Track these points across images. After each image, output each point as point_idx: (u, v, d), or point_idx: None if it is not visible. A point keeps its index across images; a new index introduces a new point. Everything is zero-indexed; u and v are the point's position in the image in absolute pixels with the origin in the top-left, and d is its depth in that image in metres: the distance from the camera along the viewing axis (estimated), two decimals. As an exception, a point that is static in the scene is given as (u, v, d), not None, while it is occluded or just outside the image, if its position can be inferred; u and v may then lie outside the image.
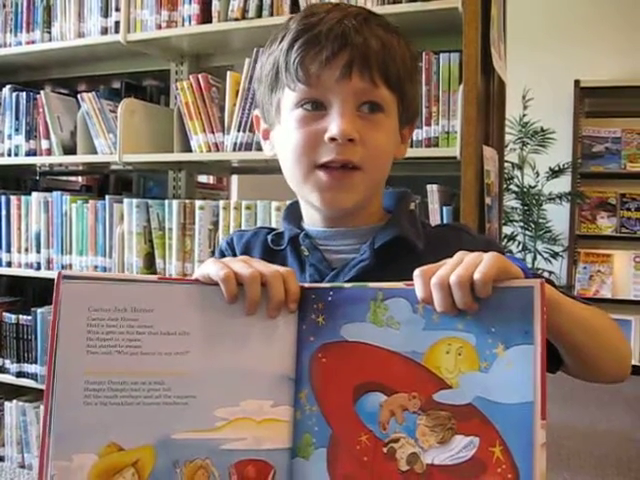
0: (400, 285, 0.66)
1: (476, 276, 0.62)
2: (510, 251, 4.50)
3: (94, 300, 0.67)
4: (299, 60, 0.81)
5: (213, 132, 2.15)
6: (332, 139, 0.80)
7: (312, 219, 0.92)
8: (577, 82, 4.80)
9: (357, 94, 0.82)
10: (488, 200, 1.93)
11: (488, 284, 0.62)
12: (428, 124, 1.87)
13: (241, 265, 0.71)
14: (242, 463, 0.69)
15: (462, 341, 0.63)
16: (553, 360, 0.78)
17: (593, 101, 4.94)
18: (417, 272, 0.65)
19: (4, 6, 2.54)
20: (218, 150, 2.15)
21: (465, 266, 0.63)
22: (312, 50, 0.81)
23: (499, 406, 0.60)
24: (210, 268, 0.71)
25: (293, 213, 0.95)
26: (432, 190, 1.92)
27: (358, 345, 0.67)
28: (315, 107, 0.83)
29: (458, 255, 0.66)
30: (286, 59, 0.83)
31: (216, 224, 2.14)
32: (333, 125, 0.80)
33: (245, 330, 0.70)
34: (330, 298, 0.70)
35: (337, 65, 0.80)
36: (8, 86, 2.56)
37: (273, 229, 0.97)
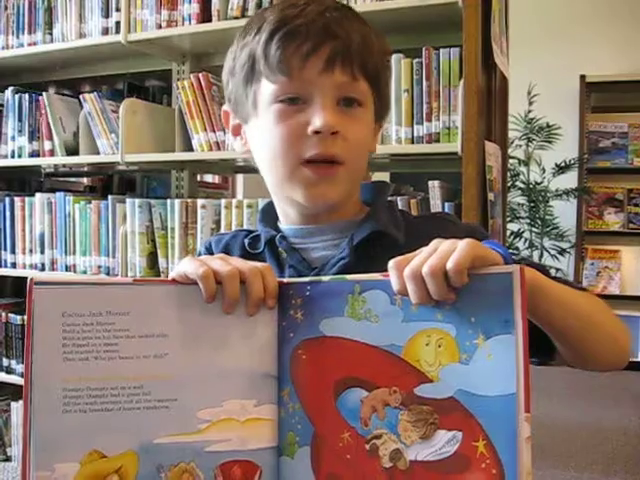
0: (377, 277, 0.65)
1: (449, 265, 0.60)
2: (515, 248, 4.48)
3: (68, 305, 0.66)
4: (280, 52, 0.79)
5: (214, 131, 2.16)
6: (316, 132, 0.79)
7: (288, 217, 0.90)
8: (583, 77, 4.77)
9: (339, 88, 0.81)
10: (491, 196, 1.92)
11: (462, 273, 0.60)
12: (429, 120, 1.86)
13: (219, 263, 0.70)
14: (228, 464, 0.68)
15: (442, 332, 0.61)
16: (547, 349, 0.76)
17: (599, 96, 4.91)
18: (391, 264, 0.63)
19: (5, 8, 2.54)
20: (219, 149, 2.15)
21: (438, 255, 0.61)
22: (293, 42, 0.79)
23: (481, 399, 0.59)
24: (187, 266, 0.69)
25: (269, 214, 0.93)
26: (433, 186, 1.92)
27: (337, 340, 0.66)
28: (295, 101, 0.81)
29: (433, 243, 0.64)
30: (265, 51, 0.81)
31: (218, 223, 2.14)
32: (316, 118, 0.79)
33: (224, 329, 0.69)
34: (308, 293, 0.69)
35: (320, 58, 0.79)
36: (11, 88, 2.58)
37: (251, 231, 0.95)
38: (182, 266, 0.70)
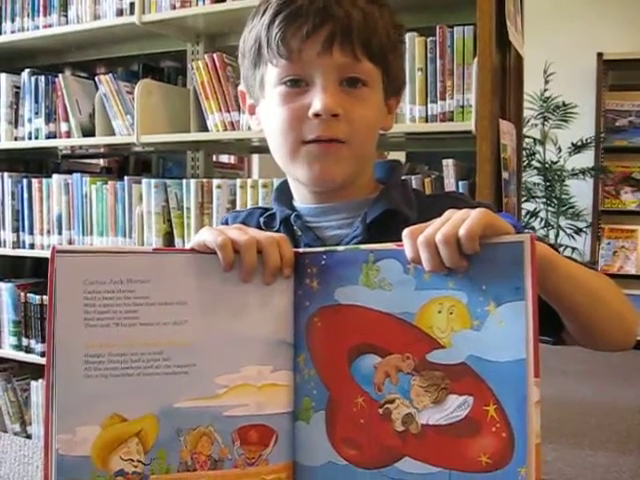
0: (391, 246, 0.66)
1: (461, 232, 0.61)
2: (531, 228, 4.46)
3: (89, 273, 0.67)
4: (280, 35, 0.80)
5: (229, 111, 2.16)
6: (316, 115, 0.80)
7: (302, 196, 0.91)
8: (600, 55, 4.73)
9: (339, 69, 0.81)
10: (505, 175, 1.92)
11: (474, 240, 0.61)
12: (443, 98, 1.86)
13: (237, 232, 0.71)
14: (245, 428, 0.70)
15: (453, 300, 0.62)
16: (555, 327, 0.77)
17: (616, 74, 4.86)
18: (405, 232, 0.65)
19: (21, -9, 2.56)
20: (234, 129, 2.17)
21: (451, 223, 0.62)
22: (293, 25, 0.80)
23: (492, 364, 0.60)
24: (206, 235, 0.71)
25: (284, 193, 0.94)
26: (447, 165, 1.92)
27: (352, 308, 0.68)
28: (297, 83, 0.82)
29: (446, 213, 0.65)
30: (267, 34, 0.82)
31: (234, 203, 2.15)
32: (316, 101, 0.80)
33: (242, 297, 0.70)
34: (323, 262, 0.70)
35: (318, 40, 0.80)
36: (27, 70, 2.59)
37: (267, 209, 0.96)
38: (201, 235, 0.72)
